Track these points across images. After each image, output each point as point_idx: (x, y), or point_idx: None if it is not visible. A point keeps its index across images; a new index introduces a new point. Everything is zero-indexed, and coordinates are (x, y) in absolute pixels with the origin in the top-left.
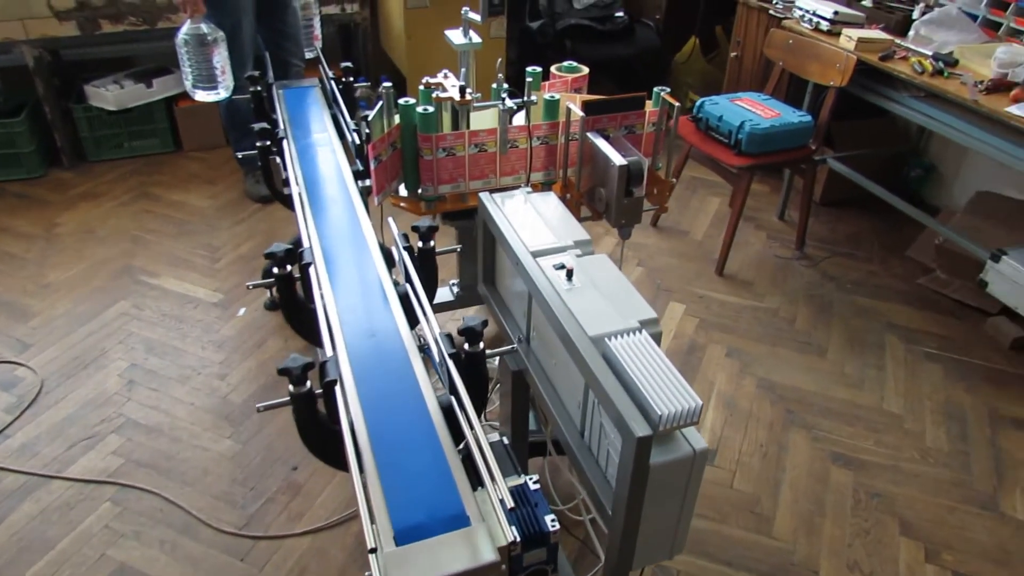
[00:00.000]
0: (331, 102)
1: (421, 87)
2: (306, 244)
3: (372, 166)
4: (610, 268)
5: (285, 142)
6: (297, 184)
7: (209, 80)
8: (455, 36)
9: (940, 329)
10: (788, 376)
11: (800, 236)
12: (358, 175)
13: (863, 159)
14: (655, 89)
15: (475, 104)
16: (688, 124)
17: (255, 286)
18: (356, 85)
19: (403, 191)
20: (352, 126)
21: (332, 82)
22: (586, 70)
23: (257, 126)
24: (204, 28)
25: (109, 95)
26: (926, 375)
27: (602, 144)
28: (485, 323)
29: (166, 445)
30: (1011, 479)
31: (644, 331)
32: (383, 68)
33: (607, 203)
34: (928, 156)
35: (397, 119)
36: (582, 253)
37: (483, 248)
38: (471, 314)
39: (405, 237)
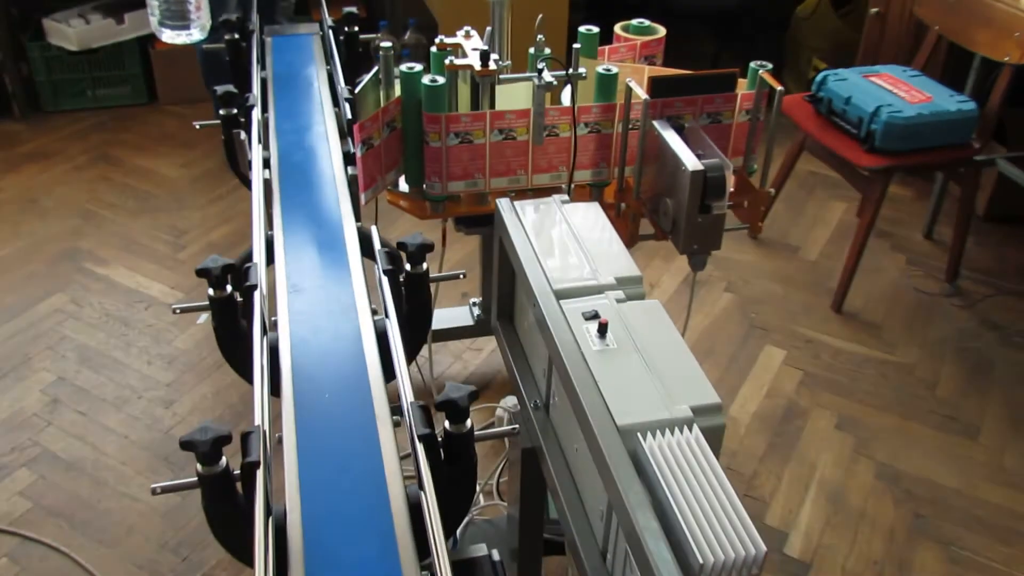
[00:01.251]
0: (328, 54)
1: (433, 49)
2: (256, 256)
3: (358, 152)
4: (663, 322)
5: (255, 111)
6: (261, 169)
7: (180, 16)
8: None
9: None
10: (921, 464)
11: (953, 264)
12: (348, 159)
13: None
14: (751, 65)
15: (502, 76)
16: (804, 106)
17: (183, 310)
18: (372, 37)
19: (403, 185)
20: (344, 93)
21: (327, 28)
22: (662, 31)
23: (220, 89)
24: None
25: (71, 32)
26: None
27: (672, 139)
28: (474, 394)
29: (87, 489)
30: None
31: (696, 426)
32: (413, 10)
33: (674, 220)
34: None
35: (398, 90)
36: (627, 296)
37: (499, 272)
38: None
39: (391, 256)
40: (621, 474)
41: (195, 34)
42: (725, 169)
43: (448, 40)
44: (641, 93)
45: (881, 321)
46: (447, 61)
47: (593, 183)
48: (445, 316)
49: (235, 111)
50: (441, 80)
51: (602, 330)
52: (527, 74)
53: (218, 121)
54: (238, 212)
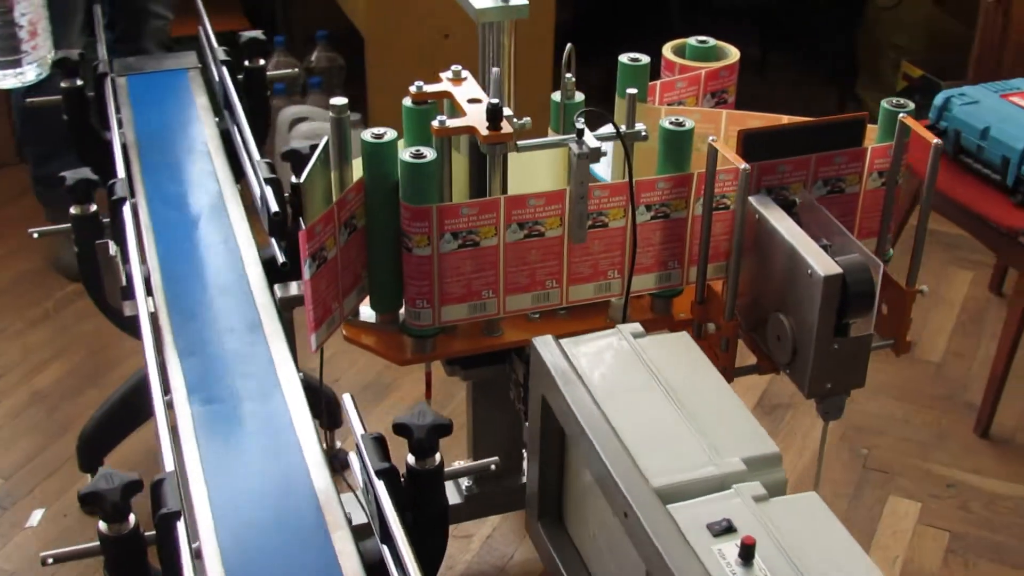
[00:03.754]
0: (221, 102)
1: (407, 102)
2: (165, 464)
3: (306, 273)
4: (832, 529)
5: (127, 207)
6: (150, 301)
7: (4, 50)
8: None
9: None
10: None
11: None
12: (278, 272)
13: None
14: (884, 105)
15: (520, 143)
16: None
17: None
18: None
19: (365, 312)
20: (264, 171)
21: (219, 63)
22: (735, 53)
23: (70, 176)
24: None
25: None
26: None
27: (784, 225)
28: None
29: None
30: None
31: None
32: (316, 18)
33: (794, 347)
34: None
35: (357, 168)
36: (768, 488)
37: (542, 450)
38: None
39: (380, 442)
40: None
41: (29, 74)
42: (872, 270)
43: (430, 88)
44: (736, 161)
45: None
46: (435, 123)
47: (660, 292)
48: None
49: (92, 208)
50: (430, 154)
51: (747, 554)
52: (558, 137)
53: (64, 225)
54: (77, 341)
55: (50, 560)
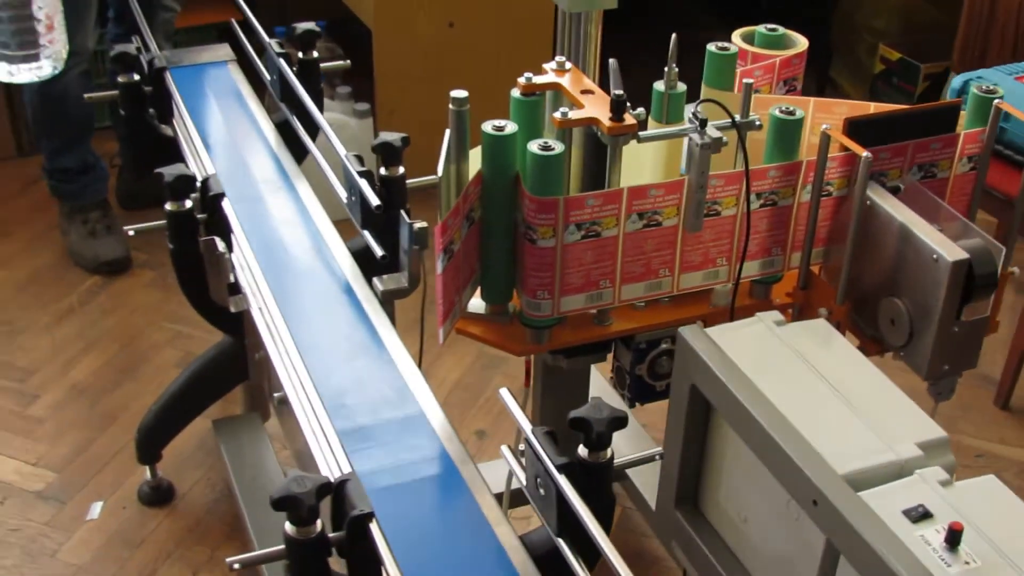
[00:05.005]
0: (277, 94)
1: (516, 93)
2: (323, 466)
3: (439, 267)
4: (1015, 506)
5: (226, 202)
6: (258, 296)
7: (21, 43)
8: None
9: None
10: None
11: None
12: (373, 264)
13: None
14: (973, 90)
15: (642, 133)
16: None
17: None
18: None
19: (476, 303)
20: (355, 166)
21: (275, 56)
22: (803, 42)
23: (169, 172)
24: None
25: None
26: None
27: (901, 212)
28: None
29: None
30: None
31: None
32: (315, 6)
33: (911, 329)
34: None
35: (475, 161)
36: (947, 472)
37: (685, 438)
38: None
39: (552, 436)
40: None
41: (46, 67)
42: (995, 254)
43: (539, 79)
44: (859, 149)
45: None
46: (558, 114)
47: (760, 279)
48: None
49: (188, 204)
50: (558, 147)
51: (953, 539)
52: (678, 127)
53: (160, 222)
54: (105, 332)
55: (236, 565)
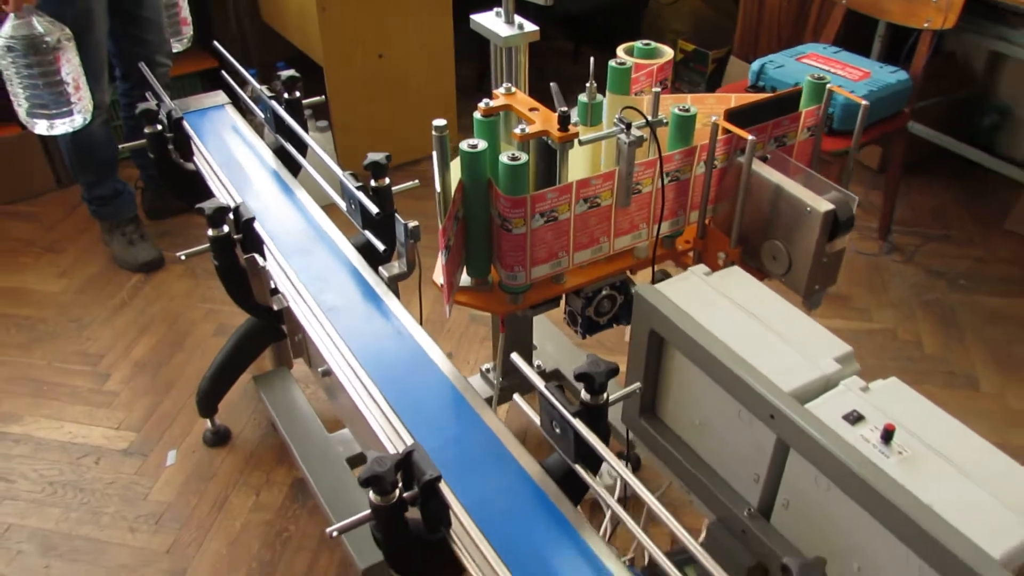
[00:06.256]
0: (273, 127)
1: (477, 115)
2: (383, 440)
3: (442, 259)
4: (920, 402)
5: (257, 224)
6: (299, 296)
7: (56, 103)
8: (491, 23)
9: None
10: None
11: (885, 222)
12: (376, 257)
13: (928, 111)
14: (808, 79)
15: (582, 138)
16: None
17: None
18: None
19: (465, 278)
20: (351, 182)
21: (268, 99)
22: (670, 52)
23: (208, 207)
24: (38, 25)
25: None
26: None
27: (777, 177)
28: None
29: None
30: None
31: None
32: (271, 50)
33: (790, 262)
34: (1000, 98)
35: (455, 173)
36: (865, 382)
37: (647, 366)
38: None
39: (561, 389)
40: None
41: (78, 119)
42: (851, 203)
43: (495, 103)
44: (744, 134)
45: (848, 292)
46: (517, 131)
47: (671, 234)
48: None
49: (226, 230)
50: (523, 156)
51: (887, 436)
52: (609, 131)
53: (204, 247)
54: (153, 317)
55: (335, 533)
